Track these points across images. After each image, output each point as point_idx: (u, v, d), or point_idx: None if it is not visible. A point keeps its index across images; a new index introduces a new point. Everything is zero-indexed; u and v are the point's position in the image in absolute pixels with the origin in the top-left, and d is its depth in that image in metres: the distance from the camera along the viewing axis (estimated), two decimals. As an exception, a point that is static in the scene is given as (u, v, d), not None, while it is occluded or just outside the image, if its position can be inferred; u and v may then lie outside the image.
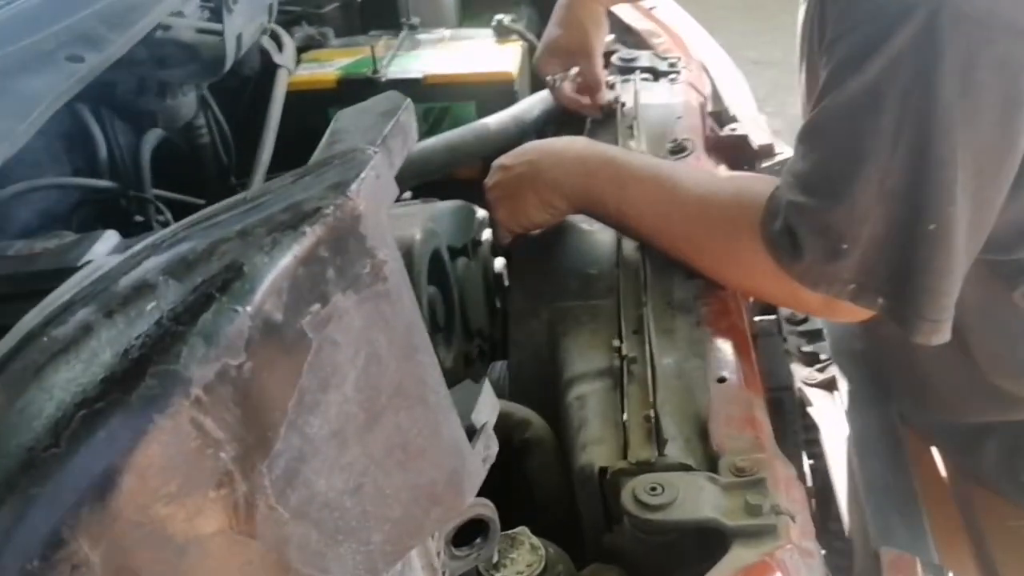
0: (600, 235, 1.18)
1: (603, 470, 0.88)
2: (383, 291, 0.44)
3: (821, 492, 1.15)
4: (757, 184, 1.04)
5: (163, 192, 1.49)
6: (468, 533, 0.67)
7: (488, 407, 0.56)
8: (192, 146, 1.50)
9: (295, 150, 1.54)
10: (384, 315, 0.44)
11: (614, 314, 1.06)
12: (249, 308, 0.38)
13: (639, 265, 1.11)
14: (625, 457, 0.88)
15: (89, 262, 1.19)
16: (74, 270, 1.18)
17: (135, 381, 0.35)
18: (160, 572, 0.37)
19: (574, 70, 1.50)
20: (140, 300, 0.38)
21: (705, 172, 1.20)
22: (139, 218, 1.44)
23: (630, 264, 1.12)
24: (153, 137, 1.49)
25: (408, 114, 0.49)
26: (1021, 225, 0.95)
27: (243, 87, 1.63)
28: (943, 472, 1.25)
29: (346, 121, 0.49)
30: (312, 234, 0.40)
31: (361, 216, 0.42)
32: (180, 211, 1.50)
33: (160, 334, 0.36)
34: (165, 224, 1.45)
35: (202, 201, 1.55)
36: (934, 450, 1.26)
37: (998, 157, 0.89)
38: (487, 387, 0.56)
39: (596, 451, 0.90)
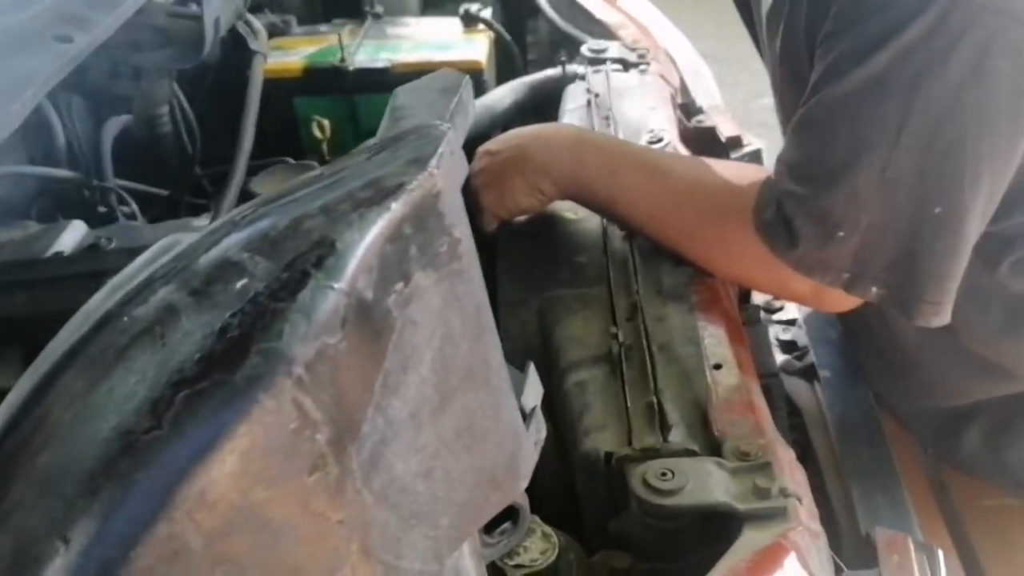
0: (586, 223, 1.18)
1: (608, 455, 0.88)
2: (458, 270, 0.43)
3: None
4: (749, 172, 1.05)
5: (126, 182, 1.44)
6: (495, 520, 0.66)
7: (535, 391, 0.55)
8: (155, 135, 1.46)
9: (260, 139, 1.53)
10: (458, 295, 0.43)
11: (605, 302, 1.06)
12: (344, 285, 0.36)
13: (627, 253, 1.11)
14: (629, 443, 0.88)
15: (59, 253, 1.17)
16: (41, 260, 1.15)
17: (238, 360, 0.34)
18: (257, 558, 0.35)
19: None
20: (225, 278, 0.37)
21: (696, 160, 1.21)
22: (102, 208, 1.40)
23: (618, 252, 1.12)
24: (114, 126, 1.45)
25: (468, 92, 0.49)
26: (1008, 194, 0.96)
27: (204, 75, 1.59)
28: (916, 453, 1.28)
29: (407, 98, 0.48)
30: (397, 210, 0.39)
31: (440, 192, 0.41)
32: (144, 202, 1.46)
33: (259, 312, 0.35)
34: (130, 215, 1.41)
35: (166, 192, 1.51)
36: (906, 432, 1.29)
37: (1008, 142, 0.90)
38: (532, 371, 0.56)
39: (600, 437, 0.89)
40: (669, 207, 1.06)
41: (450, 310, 0.43)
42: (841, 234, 0.92)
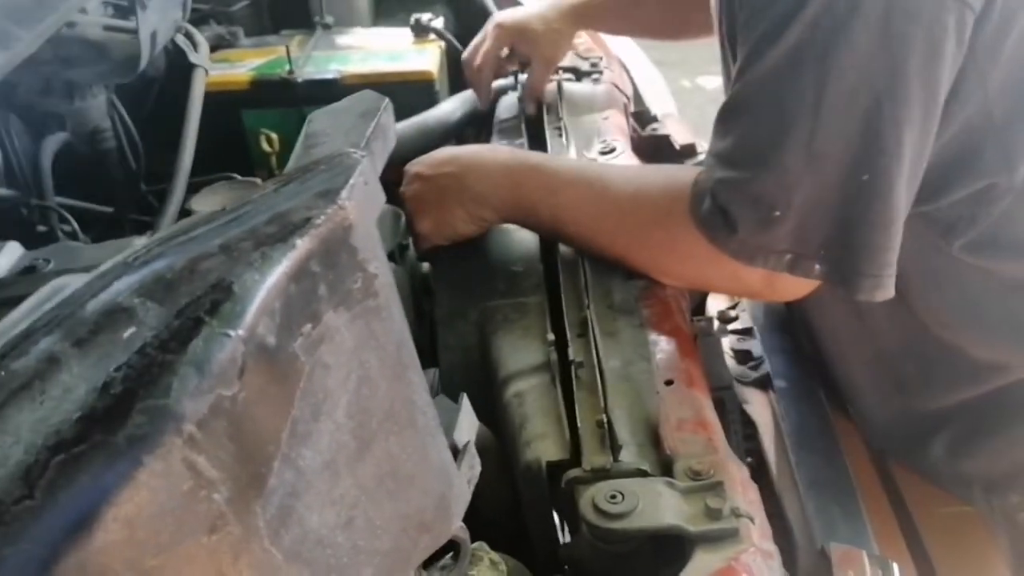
0: (520, 232, 1.17)
1: (551, 464, 0.85)
2: (374, 307, 0.41)
3: (760, 489, 1.15)
4: (684, 172, 1.04)
5: (67, 200, 1.40)
6: (437, 553, 0.64)
7: (468, 425, 0.53)
8: (97, 151, 1.42)
9: (207, 154, 1.49)
10: (375, 333, 0.41)
11: (542, 310, 1.05)
12: (242, 331, 0.34)
13: (578, 266, 1.10)
14: (574, 457, 0.86)
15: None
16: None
17: (120, 419, 0.31)
18: (149, 631, 0.33)
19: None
20: (114, 326, 0.34)
21: (631, 167, 1.20)
22: (42, 228, 1.35)
23: (569, 265, 1.11)
24: (54, 142, 1.40)
25: (388, 115, 0.46)
26: (941, 170, 0.97)
27: (148, 89, 1.55)
28: (871, 461, 1.27)
29: (322, 123, 0.45)
30: (303, 246, 0.37)
31: (352, 226, 0.39)
32: (86, 220, 1.42)
33: (145, 364, 0.32)
34: (71, 235, 1.36)
35: (110, 209, 1.47)
36: (862, 440, 1.28)
37: (923, 105, 0.90)
38: (466, 404, 0.53)
39: (540, 446, 0.87)
40: (614, 219, 1.05)
41: (366, 350, 0.40)
42: (777, 214, 0.92)
